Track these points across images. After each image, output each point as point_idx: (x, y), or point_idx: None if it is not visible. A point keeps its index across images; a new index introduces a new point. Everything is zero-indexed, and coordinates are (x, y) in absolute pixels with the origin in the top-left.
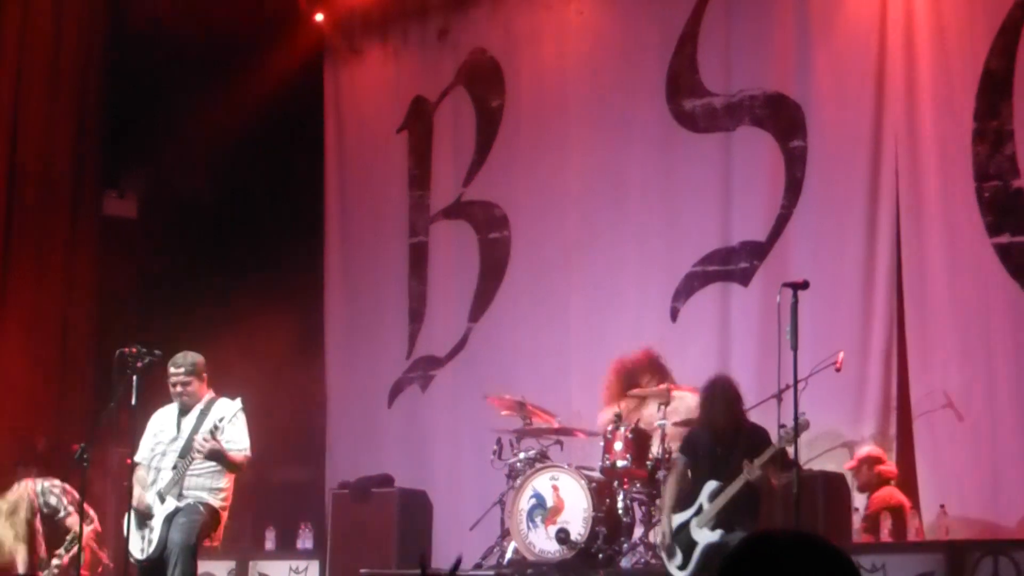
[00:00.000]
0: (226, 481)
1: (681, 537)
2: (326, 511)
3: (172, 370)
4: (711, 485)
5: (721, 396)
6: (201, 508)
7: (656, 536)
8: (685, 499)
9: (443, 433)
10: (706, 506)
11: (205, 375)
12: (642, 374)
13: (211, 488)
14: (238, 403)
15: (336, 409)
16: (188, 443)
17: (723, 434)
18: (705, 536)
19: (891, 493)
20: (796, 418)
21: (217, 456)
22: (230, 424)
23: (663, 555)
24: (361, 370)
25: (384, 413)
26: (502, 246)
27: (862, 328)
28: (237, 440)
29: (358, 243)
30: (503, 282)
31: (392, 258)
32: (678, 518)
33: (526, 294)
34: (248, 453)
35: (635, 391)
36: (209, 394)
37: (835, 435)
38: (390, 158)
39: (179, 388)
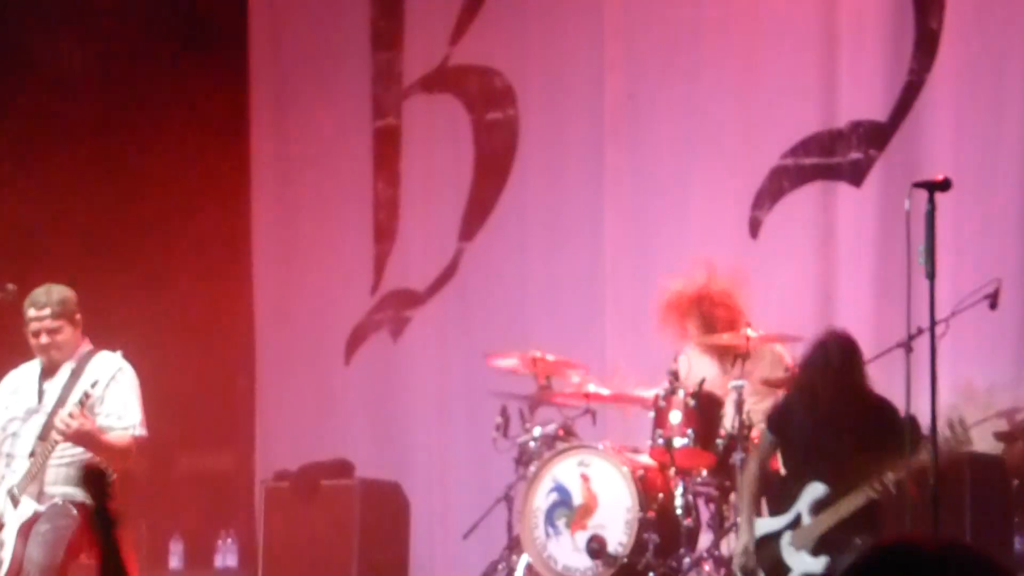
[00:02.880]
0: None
1: (767, 554)
2: (255, 513)
3: (32, 312)
4: (816, 490)
5: (835, 359)
6: (72, 510)
7: (734, 548)
8: (775, 499)
9: (424, 400)
10: (806, 519)
11: (79, 318)
12: (708, 315)
13: None
14: (118, 358)
15: (269, 368)
16: (51, 419)
17: (834, 412)
18: (803, 563)
19: None
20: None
21: (87, 440)
22: (108, 389)
23: None
24: (305, 311)
25: (339, 372)
26: (506, 131)
27: None
28: (120, 412)
29: (298, 128)
30: (508, 182)
31: (348, 150)
32: (764, 525)
33: (540, 199)
34: (139, 432)
35: (699, 338)
36: (85, 345)
37: (986, 401)
38: (343, 5)
39: (43, 338)
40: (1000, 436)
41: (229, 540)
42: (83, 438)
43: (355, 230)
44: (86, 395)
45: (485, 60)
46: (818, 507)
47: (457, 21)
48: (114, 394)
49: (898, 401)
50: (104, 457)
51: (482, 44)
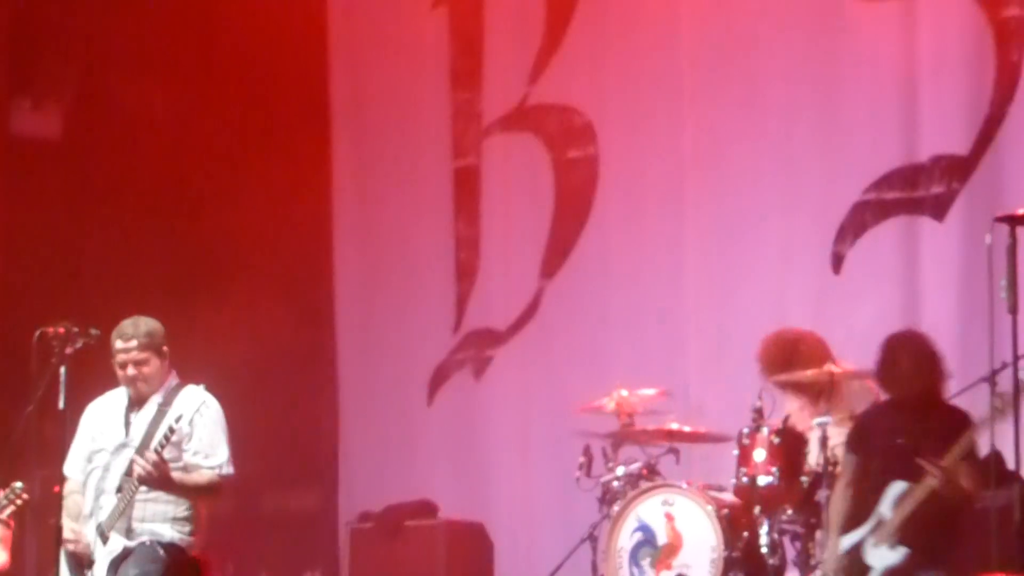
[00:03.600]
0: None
1: (851, 562)
2: (340, 553)
3: (119, 344)
4: (896, 487)
5: (911, 358)
6: (160, 552)
7: (823, 569)
8: (858, 514)
9: (507, 439)
10: (887, 515)
11: (166, 350)
12: (797, 352)
13: (174, 518)
14: (202, 391)
15: (353, 408)
16: (142, 451)
17: (911, 414)
18: (883, 557)
19: None
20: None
21: (164, 483)
22: (194, 424)
23: None
24: (388, 352)
25: (422, 412)
26: (586, 169)
27: None
28: (208, 451)
29: (378, 169)
30: (588, 221)
31: (428, 190)
32: (849, 539)
33: (621, 236)
34: (226, 471)
35: (781, 376)
36: (172, 379)
37: None
38: (423, 45)
39: (131, 370)
40: None
41: None
42: (158, 482)
43: (437, 269)
44: (171, 430)
45: (564, 98)
46: (897, 502)
47: (535, 60)
48: (201, 430)
49: (985, 441)
50: (189, 498)
51: (561, 82)
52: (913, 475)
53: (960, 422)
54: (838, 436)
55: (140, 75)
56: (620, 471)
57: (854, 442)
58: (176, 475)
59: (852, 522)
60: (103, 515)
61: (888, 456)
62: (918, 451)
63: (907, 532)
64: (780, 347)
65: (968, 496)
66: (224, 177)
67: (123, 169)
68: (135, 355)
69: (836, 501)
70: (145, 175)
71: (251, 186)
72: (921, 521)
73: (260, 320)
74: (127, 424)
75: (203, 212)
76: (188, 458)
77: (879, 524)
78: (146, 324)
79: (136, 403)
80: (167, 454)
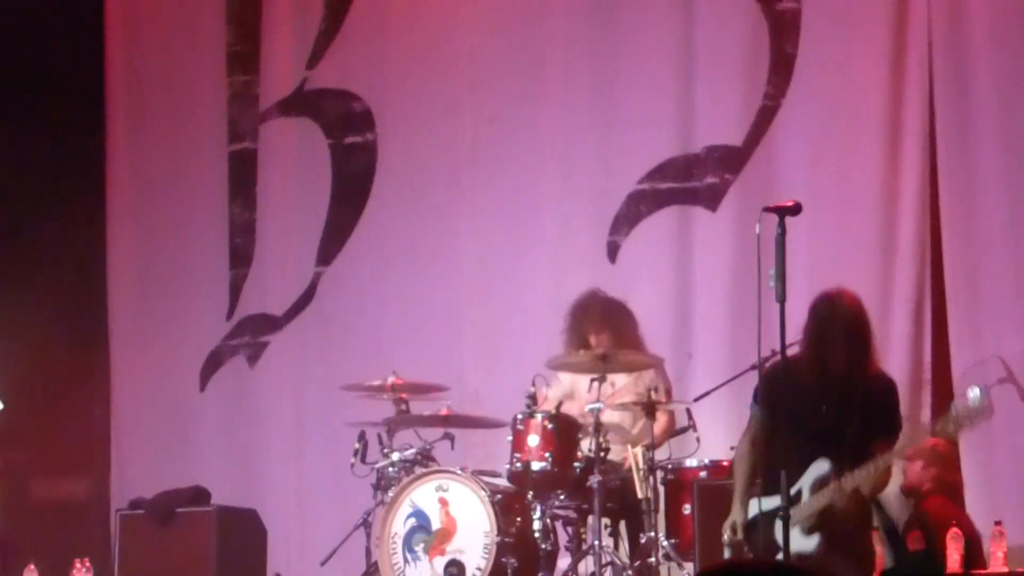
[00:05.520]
0: None
1: (760, 532)
2: (111, 541)
3: None
4: (820, 467)
5: (841, 321)
6: None
7: (724, 532)
8: (770, 480)
9: (281, 425)
10: (806, 497)
11: None
12: (588, 326)
13: None
14: None
15: (124, 394)
16: None
17: (836, 383)
18: (795, 540)
19: (946, 507)
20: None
21: None
22: None
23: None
24: (160, 337)
25: (195, 398)
26: (365, 155)
27: (881, 270)
28: None
29: (153, 151)
30: (366, 207)
31: (204, 173)
32: (757, 506)
33: (399, 224)
34: None
35: (553, 360)
36: None
37: None
38: (199, 26)
39: None
40: None
41: (84, 569)
42: None
43: (211, 254)
44: None
45: (344, 83)
46: (819, 485)
47: (315, 44)
48: None
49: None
50: None
51: (340, 68)
52: (837, 454)
53: (885, 390)
54: (613, 424)
55: None
56: (395, 457)
57: (762, 394)
58: None
59: (763, 488)
60: None
61: (809, 426)
62: (844, 427)
63: (824, 520)
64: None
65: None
66: None
67: None
68: None
69: (740, 461)
70: None
71: (21, 169)
72: (839, 513)
73: (27, 305)
74: None
75: None
76: None
77: (795, 502)
78: None
79: None
80: None
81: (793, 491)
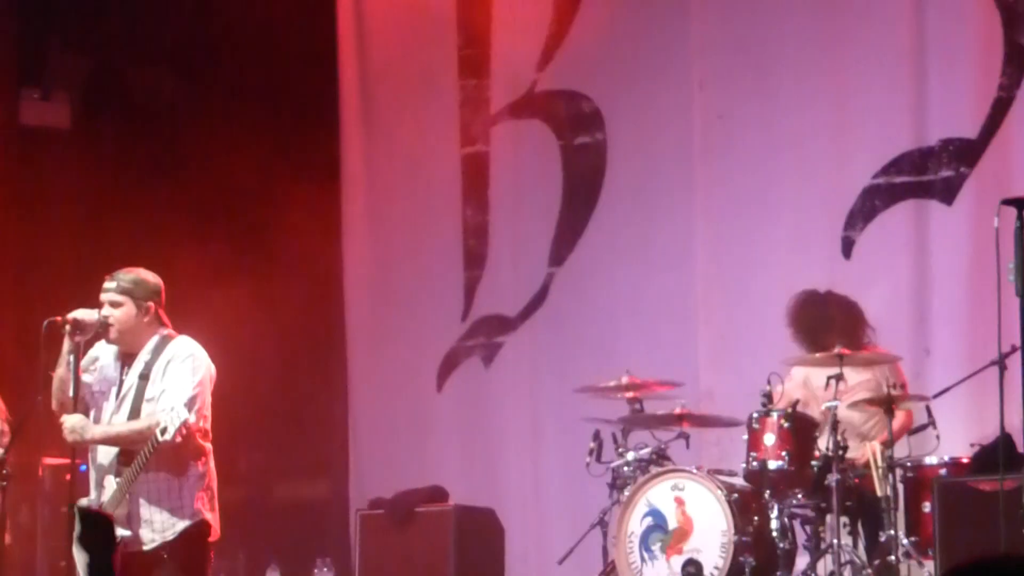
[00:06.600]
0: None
1: None
2: (351, 541)
3: (104, 284)
4: None
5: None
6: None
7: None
8: None
9: (517, 425)
10: None
11: (152, 306)
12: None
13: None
14: (194, 344)
15: (362, 396)
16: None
17: None
18: None
19: None
20: None
21: (95, 437)
22: (169, 368)
23: None
24: (397, 339)
25: (432, 400)
26: (594, 155)
27: None
28: (170, 390)
29: (386, 157)
30: (597, 206)
31: (437, 177)
32: None
33: (629, 223)
34: (181, 412)
35: (792, 359)
36: (161, 331)
37: None
38: (430, 32)
39: (105, 310)
40: None
41: (325, 568)
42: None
43: (445, 257)
44: (141, 376)
45: (572, 85)
46: None
47: (544, 46)
48: (173, 373)
49: (993, 418)
50: (138, 444)
51: (569, 69)
52: None
53: None
54: (861, 418)
55: (148, 64)
56: (630, 456)
57: None
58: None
59: None
60: (105, 494)
61: None
62: None
63: None
64: (809, 308)
65: None
66: (235, 166)
67: (134, 158)
68: (111, 295)
69: None
70: (158, 164)
71: (261, 175)
72: None
73: (267, 310)
74: (120, 380)
75: (218, 202)
76: (149, 392)
77: None
78: (137, 273)
79: (124, 359)
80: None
81: None
